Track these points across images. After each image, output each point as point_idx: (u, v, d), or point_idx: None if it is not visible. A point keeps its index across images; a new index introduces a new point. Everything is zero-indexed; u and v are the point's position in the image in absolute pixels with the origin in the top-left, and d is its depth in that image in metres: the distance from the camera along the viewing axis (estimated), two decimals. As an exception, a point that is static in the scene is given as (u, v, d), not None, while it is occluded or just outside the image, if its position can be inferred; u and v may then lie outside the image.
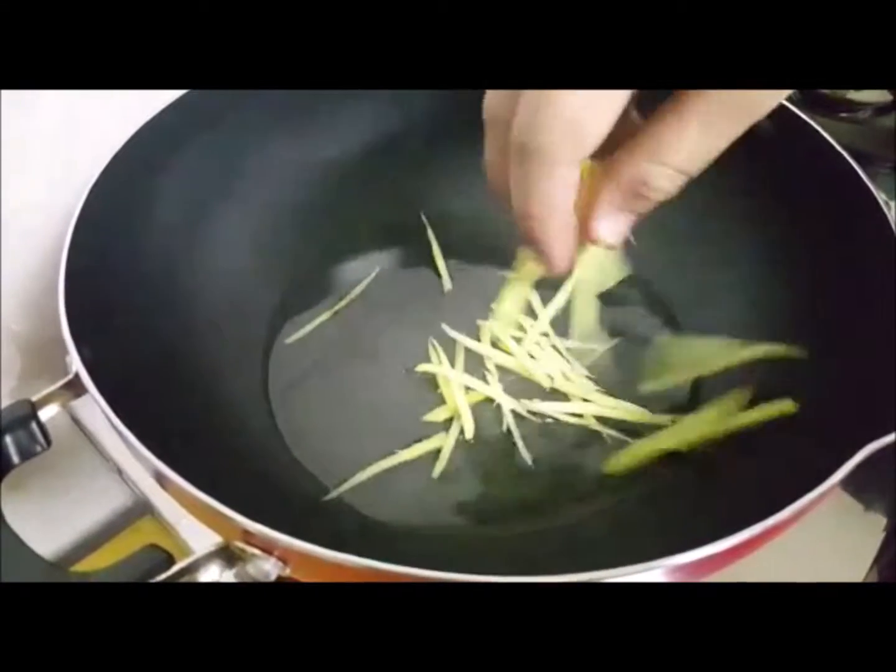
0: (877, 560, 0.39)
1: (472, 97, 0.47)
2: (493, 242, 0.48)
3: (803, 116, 0.42)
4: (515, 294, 0.34)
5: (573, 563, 0.27)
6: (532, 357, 0.43)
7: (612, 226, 0.29)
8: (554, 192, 0.27)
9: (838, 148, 0.40)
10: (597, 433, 0.41)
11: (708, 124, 0.27)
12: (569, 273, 0.31)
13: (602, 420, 0.41)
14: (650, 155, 0.27)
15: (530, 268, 0.32)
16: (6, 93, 0.38)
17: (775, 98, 0.27)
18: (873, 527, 0.40)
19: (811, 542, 0.38)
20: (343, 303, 0.46)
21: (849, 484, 0.29)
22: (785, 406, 0.37)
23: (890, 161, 0.50)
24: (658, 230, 0.46)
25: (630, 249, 0.46)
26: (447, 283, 0.47)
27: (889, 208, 0.38)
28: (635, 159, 0.28)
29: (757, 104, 0.27)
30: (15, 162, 0.40)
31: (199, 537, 0.32)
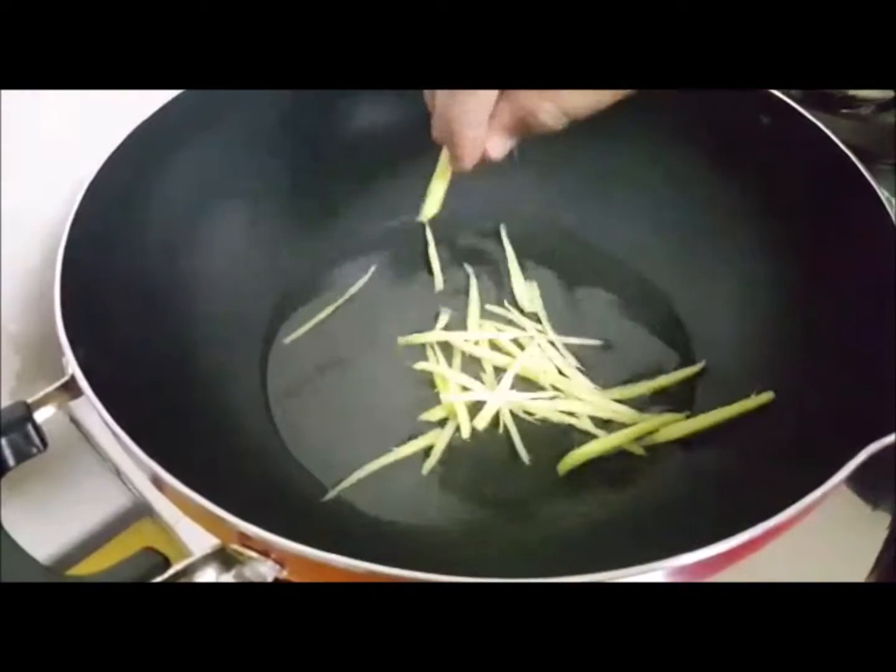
0: (879, 560, 0.39)
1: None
2: (492, 241, 0.48)
3: (805, 113, 0.41)
4: (439, 186, 0.39)
5: (574, 564, 0.27)
6: (529, 354, 0.43)
7: (499, 142, 0.34)
8: (473, 108, 0.33)
9: (840, 144, 0.40)
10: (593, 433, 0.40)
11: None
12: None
13: (595, 420, 0.41)
14: (541, 97, 0.32)
15: (447, 165, 0.38)
16: (4, 93, 0.38)
17: None
18: (875, 527, 0.40)
19: (812, 542, 0.38)
20: (340, 301, 0.46)
21: (855, 482, 0.29)
22: (763, 398, 0.37)
23: (892, 157, 0.50)
24: (657, 228, 0.46)
25: (634, 245, 0.47)
26: (439, 284, 0.47)
27: (891, 205, 0.37)
28: (528, 96, 0.32)
29: None
30: (12, 162, 0.40)
31: (199, 539, 0.32)
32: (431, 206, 0.40)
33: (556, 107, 0.32)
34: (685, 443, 0.39)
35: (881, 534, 0.40)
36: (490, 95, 0.33)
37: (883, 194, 0.38)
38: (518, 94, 0.33)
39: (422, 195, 0.39)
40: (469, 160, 0.35)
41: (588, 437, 0.40)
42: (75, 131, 0.41)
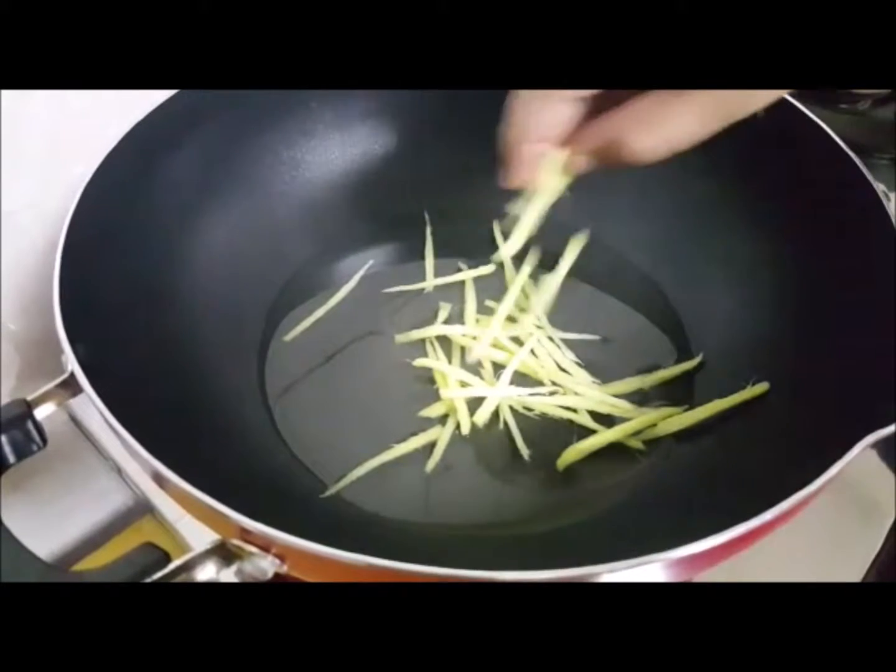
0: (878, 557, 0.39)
1: (470, 97, 0.47)
2: (491, 236, 0.48)
3: (801, 108, 0.41)
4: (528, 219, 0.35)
5: (571, 558, 0.27)
6: (528, 349, 0.43)
7: (574, 161, 0.32)
8: (542, 119, 0.30)
9: (836, 139, 0.40)
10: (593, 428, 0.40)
11: (703, 112, 0.29)
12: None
13: (594, 414, 0.41)
14: (639, 122, 0.29)
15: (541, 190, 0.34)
16: (4, 93, 0.38)
17: (768, 97, 0.29)
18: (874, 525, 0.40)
19: (811, 541, 0.38)
20: (338, 298, 0.46)
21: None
22: (758, 389, 0.37)
23: (889, 152, 0.50)
24: (654, 222, 0.47)
25: (631, 239, 0.47)
26: (429, 284, 0.47)
27: (888, 199, 0.37)
28: (624, 119, 0.29)
29: (748, 102, 0.29)
30: (10, 162, 0.40)
31: (200, 536, 0.32)
32: (516, 241, 0.35)
33: (651, 137, 0.29)
34: (684, 437, 0.39)
35: (880, 530, 0.40)
36: (568, 111, 0.30)
37: (880, 188, 0.38)
38: (614, 118, 0.29)
39: (418, 191, 0.39)
40: (514, 177, 0.32)
41: (587, 431, 0.40)
42: (73, 131, 0.41)
